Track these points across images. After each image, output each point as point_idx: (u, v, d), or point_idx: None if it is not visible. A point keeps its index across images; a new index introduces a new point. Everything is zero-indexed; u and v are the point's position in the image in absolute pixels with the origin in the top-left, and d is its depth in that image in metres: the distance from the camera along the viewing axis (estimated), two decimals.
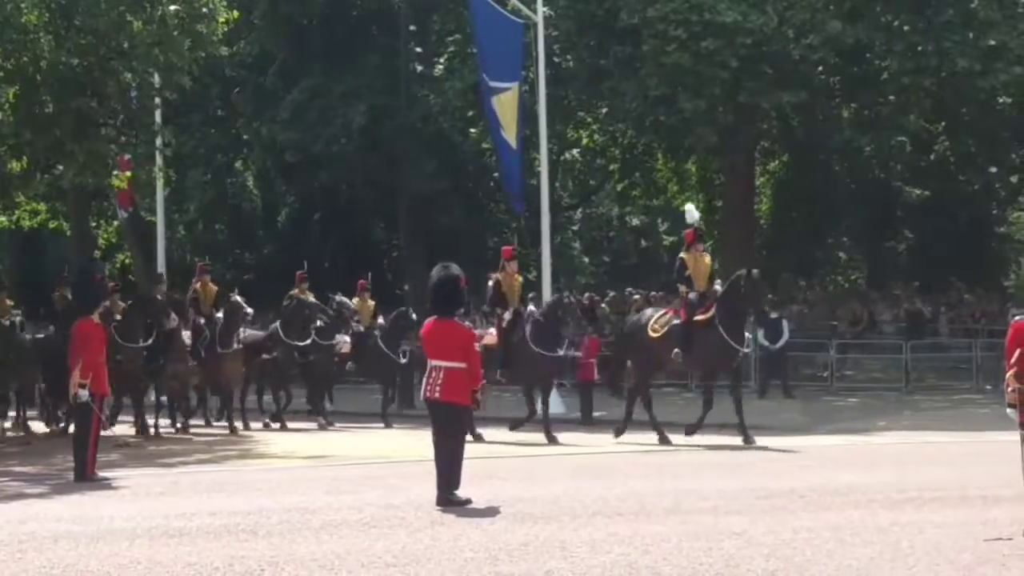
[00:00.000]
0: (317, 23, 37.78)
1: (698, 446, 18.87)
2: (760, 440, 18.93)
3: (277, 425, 23.83)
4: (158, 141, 25.56)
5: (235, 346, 22.79)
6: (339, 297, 24.90)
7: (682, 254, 20.50)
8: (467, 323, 17.26)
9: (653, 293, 34.00)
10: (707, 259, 20.41)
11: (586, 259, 50.23)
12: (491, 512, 11.72)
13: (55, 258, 41.52)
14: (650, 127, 33.26)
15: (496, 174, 36.86)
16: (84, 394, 15.09)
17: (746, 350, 21.67)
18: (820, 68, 31.10)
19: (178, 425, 22.83)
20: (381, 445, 20.07)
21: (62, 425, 21.66)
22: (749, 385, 26.29)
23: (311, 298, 24.14)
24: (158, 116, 26.69)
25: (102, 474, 15.19)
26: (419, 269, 31.11)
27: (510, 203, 32.60)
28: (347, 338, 24.83)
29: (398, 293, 36.56)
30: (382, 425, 23.78)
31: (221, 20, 22.80)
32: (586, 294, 31.65)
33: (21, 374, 22.42)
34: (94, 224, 43.07)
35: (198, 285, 23.65)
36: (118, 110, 23.74)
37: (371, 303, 25.62)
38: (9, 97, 21.74)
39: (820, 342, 31.00)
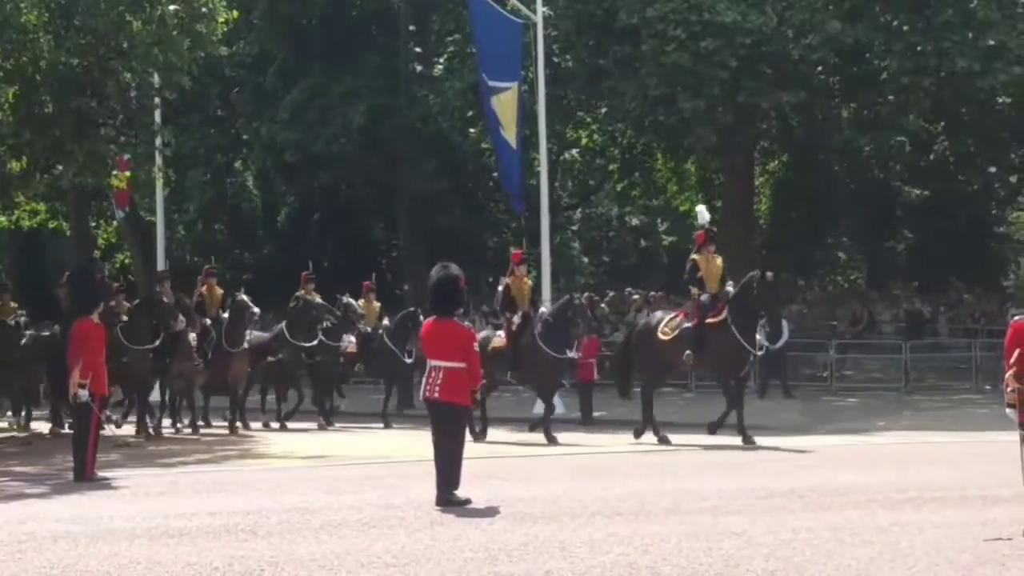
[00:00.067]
0: (317, 23, 37.76)
1: (698, 446, 18.89)
2: (760, 440, 18.93)
3: (276, 425, 23.85)
4: (158, 141, 25.58)
5: (243, 345, 22.80)
6: (346, 299, 24.86)
7: (694, 255, 20.35)
8: (467, 323, 17.26)
9: (652, 293, 34.08)
10: (719, 261, 20.19)
11: (585, 259, 50.18)
12: (491, 512, 11.71)
13: (55, 258, 41.57)
14: (649, 127, 33.24)
15: (496, 174, 36.81)
16: (84, 394, 15.07)
17: (759, 352, 21.69)
18: (819, 68, 31.07)
19: (186, 426, 22.72)
20: (381, 445, 20.08)
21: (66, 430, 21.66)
22: (749, 385, 26.25)
23: (317, 299, 24.15)
24: (158, 116, 26.70)
25: (102, 474, 15.17)
26: (419, 269, 31.08)
27: (510, 203, 32.60)
28: (352, 338, 24.85)
29: (398, 293, 36.57)
30: (382, 425, 23.80)
31: (221, 20, 22.80)
32: (585, 294, 31.62)
33: (27, 374, 22.49)
34: (94, 224, 43.05)
35: (204, 288, 23.49)
36: (118, 110, 23.73)
37: (376, 304, 25.66)
38: (9, 97, 21.74)
39: (820, 342, 30.98)
